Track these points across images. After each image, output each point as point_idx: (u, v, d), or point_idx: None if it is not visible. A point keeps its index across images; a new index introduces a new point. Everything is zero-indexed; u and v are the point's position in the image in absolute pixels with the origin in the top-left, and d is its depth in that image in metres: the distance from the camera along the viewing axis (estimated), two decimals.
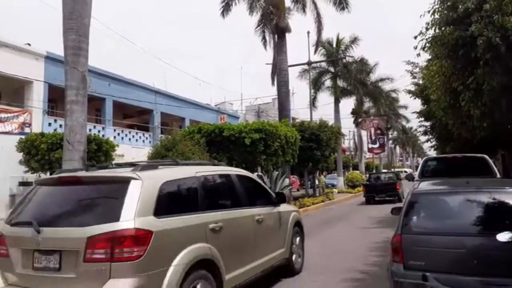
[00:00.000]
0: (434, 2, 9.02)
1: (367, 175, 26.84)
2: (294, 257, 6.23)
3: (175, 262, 3.64)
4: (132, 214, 3.45)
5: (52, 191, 4.16)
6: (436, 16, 8.97)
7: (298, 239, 6.54)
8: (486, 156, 9.68)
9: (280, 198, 6.18)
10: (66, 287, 3.49)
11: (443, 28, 8.92)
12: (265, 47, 21.99)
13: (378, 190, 20.08)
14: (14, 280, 3.76)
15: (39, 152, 16.56)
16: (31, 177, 18.61)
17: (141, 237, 3.43)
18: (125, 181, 3.69)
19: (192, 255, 3.83)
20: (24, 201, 4.27)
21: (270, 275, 5.66)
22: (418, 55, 9.84)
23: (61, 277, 3.49)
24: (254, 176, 6.53)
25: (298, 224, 6.60)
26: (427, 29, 9.20)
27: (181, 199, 4.24)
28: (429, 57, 12.12)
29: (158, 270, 3.50)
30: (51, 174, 18.72)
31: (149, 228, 3.50)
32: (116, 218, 3.42)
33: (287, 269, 6.13)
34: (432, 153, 37.32)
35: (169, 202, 3.95)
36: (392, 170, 38.19)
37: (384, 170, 39.62)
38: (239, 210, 4.95)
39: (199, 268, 3.87)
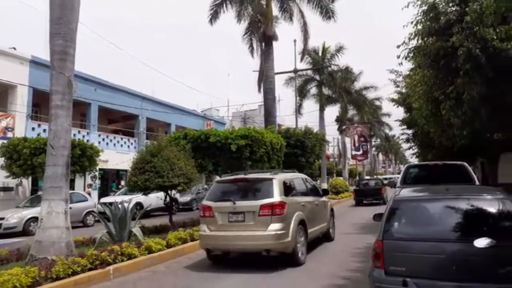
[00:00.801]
0: (418, 14, 9.25)
1: (356, 182, 30.06)
2: (331, 229, 10.17)
3: (293, 218, 7.42)
4: (277, 194, 7.30)
5: (229, 185, 8.07)
6: (419, 27, 9.19)
7: (332, 218, 10.43)
8: (466, 164, 9.90)
9: (324, 193, 10.42)
10: (247, 228, 7.22)
11: (425, 39, 9.15)
12: (252, 55, 22.13)
13: (366, 194, 23.25)
14: (215, 228, 7.49)
15: (21, 157, 16.30)
16: (12, 182, 18.29)
17: (282, 204, 7.23)
18: (270, 179, 7.65)
19: (298, 216, 7.61)
20: (214, 191, 8.11)
21: (318, 240, 9.30)
22: (401, 64, 10.06)
23: (244, 224, 7.25)
24: (309, 178, 10.51)
25: (331, 209, 10.56)
26: (409, 39, 9.42)
27: (290, 188, 8.13)
28: (412, 66, 12.38)
29: (288, 220, 7.26)
30: (34, 179, 18.47)
31: (284, 201, 7.35)
32: (271, 196, 7.28)
33: (327, 236, 9.91)
34: (414, 160, 37.86)
35: (287, 189, 7.78)
36: (378, 177, 38.65)
37: (368, 177, 40.51)
38: (309, 197, 8.91)
39: (300, 224, 7.67)
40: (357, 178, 40.59)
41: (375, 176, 39.59)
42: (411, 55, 9.86)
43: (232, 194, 7.65)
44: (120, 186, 24.99)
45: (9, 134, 18.67)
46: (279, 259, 7.32)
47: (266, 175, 8.02)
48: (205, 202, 7.87)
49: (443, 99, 9.42)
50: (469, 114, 9.12)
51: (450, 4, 9.27)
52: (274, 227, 7.04)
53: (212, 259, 8.05)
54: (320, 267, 7.32)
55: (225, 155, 12.80)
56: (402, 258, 3.94)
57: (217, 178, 11.33)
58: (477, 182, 9.56)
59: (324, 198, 10.01)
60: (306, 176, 10.04)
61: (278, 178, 7.69)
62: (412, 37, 9.42)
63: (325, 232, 9.65)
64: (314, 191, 9.57)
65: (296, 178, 9.07)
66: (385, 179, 43.61)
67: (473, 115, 9.18)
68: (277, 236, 7.02)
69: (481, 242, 3.61)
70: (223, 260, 8.06)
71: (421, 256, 3.86)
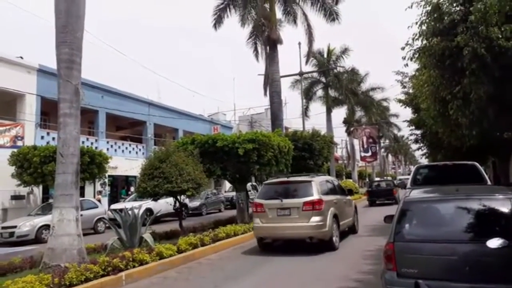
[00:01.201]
0: (422, 14, 9.22)
1: (369, 183, 30.90)
2: (355, 223, 11.98)
3: (329, 212, 9.13)
4: (316, 193, 9.03)
5: (276, 186, 9.86)
6: (423, 27, 9.16)
7: (356, 214, 12.19)
8: (476, 164, 9.82)
9: (349, 193, 12.28)
10: (293, 221, 8.95)
11: (430, 39, 9.11)
12: (257, 59, 22.20)
13: (379, 195, 24.24)
14: (266, 221, 9.28)
15: (31, 165, 16.47)
16: (23, 190, 18.49)
17: (320, 201, 8.94)
18: (309, 181, 9.45)
19: (332, 211, 9.34)
20: (264, 191, 9.90)
21: (344, 233, 10.80)
22: (406, 65, 10.02)
23: (290, 217, 9.01)
24: (337, 180, 13.30)
25: (355, 206, 12.34)
26: (414, 39, 9.39)
27: (325, 188, 9.93)
28: (418, 66, 12.34)
29: (325, 214, 8.95)
30: (44, 187, 18.63)
31: (322, 198, 9.08)
32: (311, 195, 9.01)
33: (352, 229, 11.64)
34: (424, 161, 37.59)
35: (323, 189, 9.62)
36: (388, 178, 38.48)
37: (379, 179, 40.46)
38: (339, 196, 10.67)
39: (334, 217, 9.38)
40: (367, 180, 40.70)
41: (385, 178, 39.49)
42: (416, 55, 9.82)
43: (279, 193, 9.48)
44: (129, 193, 25.12)
45: (19, 143, 18.87)
46: (317, 246, 9.05)
47: (306, 178, 9.99)
48: (257, 200, 9.79)
49: (450, 99, 9.37)
50: (477, 114, 9.06)
51: (454, 4, 9.23)
52: (315, 219, 8.87)
53: (263, 246, 9.81)
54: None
55: (232, 160, 12.81)
56: (413, 260, 3.93)
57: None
58: (488, 182, 9.48)
59: (349, 197, 11.93)
60: (335, 179, 13.00)
61: (315, 180, 9.64)
62: (416, 37, 9.40)
63: (351, 225, 11.44)
64: (342, 191, 11.52)
65: (328, 180, 11.06)
66: (396, 179, 43.48)
67: (481, 114, 9.12)
68: (318, 226, 8.87)
69: (494, 243, 3.59)
70: (269, 247, 9.81)
71: (433, 258, 3.85)
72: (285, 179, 10.25)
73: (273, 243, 9.91)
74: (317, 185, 9.38)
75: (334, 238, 9.19)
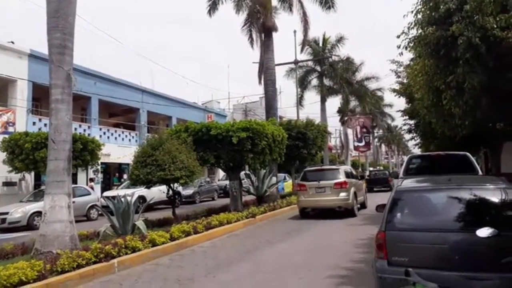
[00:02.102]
0: (417, 3, 9.17)
1: (369, 173, 35.15)
2: (365, 201, 15.64)
3: (351, 190, 13.40)
4: (343, 176, 13.47)
5: (313, 172, 14.23)
6: (419, 16, 9.13)
7: (366, 193, 16.31)
8: (468, 154, 9.87)
9: (361, 178, 17.62)
10: (327, 196, 13.16)
11: (425, 28, 9.07)
12: (252, 46, 21.97)
13: (376, 183, 27.57)
14: (307, 196, 13.55)
15: (23, 152, 16.32)
16: (15, 177, 18.36)
17: (345, 182, 13.25)
18: (337, 168, 14.40)
19: (352, 190, 13.53)
20: (304, 175, 14.14)
21: (345, 214, 13.40)
22: (401, 54, 10.00)
23: (325, 193, 13.24)
24: (350, 168, 18.11)
25: (365, 188, 16.27)
26: (409, 28, 9.35)
27: (347, 174, 14.25)
28: (413, 56, 12.32)
29: (349, 191, 13.23)
30: (36, 173, 18.51)
31: (346, 180, 13.45)
32: (339, 177, 13.43)
33: (363, 205, 15.31)
34: (417, 151, 37.84)
35: (346, 174, 14.00)
36: (381, 168, 39.37)
37: (376, 169, 43.25)
38: (355, 179, 14.86)
39: (354, 193, 13.55)
40: (360, 169, 41.72)
41: (381, 168, 41.33)
42: (411, 45, 9.79)
43: (316, 177, 13.73)
44: (122, 180, 25.05)
45: (11, 129, 18.69)
46: (341, 213, 13.31)
47: (335, 166, 15.73)
48: (300, 182, 14.29)
49: (444, 89, 9.38)
50: (471, 104, 9.09)
51: None
52: (342, 194, 13.06)
53: (304, 214, 14.03)
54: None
55: (226, 148, 12.78)
56: (404, 248, 3.95)
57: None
58: (480, 172, 9.54)
59: (361, 181, 16.44)
60: (352, 168, 19.47)
61: (341, 168, 14.56)
62: (412, 26, 9.37)
63: (362, 202, 15.35)
64: (356, 176, 15.99)
65: (349, 168, 16.47)
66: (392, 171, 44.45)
67: (474, 104, 9.15)
68: (345, 199, 13.07)
69: (484, 232, 3.61)
70: (307, 215, 14.02)
71: (424, 246, 3.87)
72: (320, 167, 16.27)
73: (309, 212, 14.15)
74: (343, 171, 13.89)
75: (354, 208, 13.50)
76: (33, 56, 20.28)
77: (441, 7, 8.75)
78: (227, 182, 18.79)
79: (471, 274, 3.62)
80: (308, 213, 13.97)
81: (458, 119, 10.06)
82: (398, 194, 4.42)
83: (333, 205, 13.18)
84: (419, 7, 9.12)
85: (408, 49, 9.76)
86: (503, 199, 4.02)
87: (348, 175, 14.11)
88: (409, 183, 4.95)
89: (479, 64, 8.24)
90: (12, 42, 20.22)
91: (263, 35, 20.23)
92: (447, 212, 4.12)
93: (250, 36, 21.62)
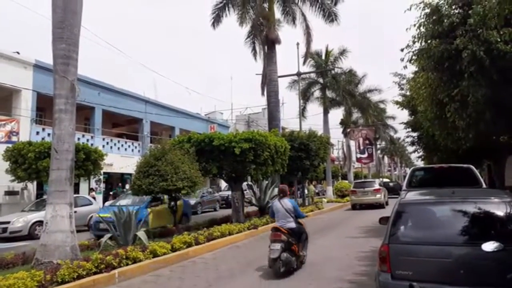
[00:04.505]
0: (420, 16, 9.20)
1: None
2: (387, 202, 23.22)
3: (383, 193, 22.94)
4: (377, 185, 23.32)
5: (359, 182, 24.79)
6: (422, 29, 9.14)
7: (386, 197, 23.71)
8: (472, 167, 9.80)
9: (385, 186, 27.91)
10: (369, 196, 22.13)
11: (429, 41, 9.09)
12: (255, 58, 22.13)
13: (390, 191, 28.90)
14: (357, 197, 22.58)
15: (26, 161, 16.35)
16: (18, 186, 18.37)
17: (380, 189, 22.75)
18: (374, 180, 25.41)
19: (383, 193, 23.05)
20: (354, 184, 24.88)
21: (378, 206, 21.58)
22: (405, 67, 10.00)
23: (368, 195, 22.25)
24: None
25: (386, 194, 24.25)
26: (413, 42, 9.36)
27: (379, 184, 24.56)
28: (416, 69, 12.33)
29: (383, 193, 22.77)
30: (39, 183, 18.53)
31: (381, 187, 23.47)
32: (377, 185, 23.01)
33: (386, 203, 22.79)
34: (420, 163, 37.71)
35: (379, 184, 24.34)
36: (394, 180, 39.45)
37: (386, 180, 44.68)
38: (383, 187, 24.66)
39: (384, 195, 23.13)
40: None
41: (390, 180, 41.74)
42: (414, 58, 9.80)
43: (362, 185, 22.67)
44: (124, 190, 25.02)
45: (14, 138, 18.76)
46: (378, 206, 21.39)
47: (372, 179, 27.21)
48: (352, 189, 23.34)
49: (447, 102, 9.36)
50: (474, 117, 9.05)
51: (453, 7, 9.22)
52: (378, 195, 21.75)
53: (354, 208, 22.05)
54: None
55: (229, 159, 12.76)
56: (408, 262, 3.91)
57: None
58: (484, 185, 9.45)
59: (385, 189, 24.13)
60: (380, 180, 30.77)
61: (376, 180, 25.70)
62: (415, 40, 9.38)
63: (386, 201, 22.95)
64: (381, 185, 24.17)
65: (381, 181, 29.46)
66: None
67: (478, 117, 9.11)
68: (379, 199, 21.65)
69: (489, 246, 3.58)
70: (355, 208, 22.24)
71: (428, 260, 3.83)
72: (363, 180, 26.39)
73: (356, 207, 22.33)
74: (377, 182, 23.58)
75: (384, 203, 22.09)
76: (38, 67, 20.46)
77: (445, 21, 8.77)
78: (229, 192, 18.74)
79: None
80: (355, 207, 22.43)
81: (462, 132, 10.01)
82: (402, 207, 4.39)
83: (372, 202, 21.72)
84: (422, 20, 9.15)
85: (412, 61, 9.77)
86: (508, 213, 3.98)
87: (380, 184, 23.88)
88: (412, 195, 4.92)
89: (483, 77, 8.22)
90: (18, 52, 20.42)
91: (266, 47, 20.38)
92: (451, 226, 4.08)
93: (253, 48, 21.79)
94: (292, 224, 7.37)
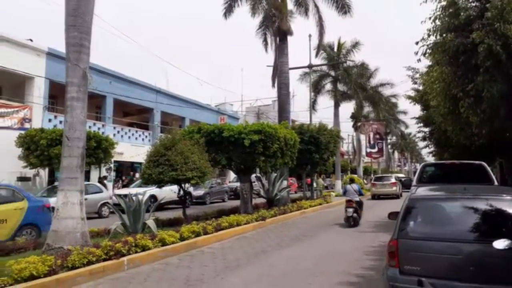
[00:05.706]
0: (436, 9, 9.04)
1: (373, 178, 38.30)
2: (400, 193, 26.89)
3: (398, 186, 27.62)
4: (394, 179, 28.33)
5: (378, 176, 31.13)
6: (438, 22, 9.00)
7: (400, 189, 27.50)
8: (484, 164, 9.68)
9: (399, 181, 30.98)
10: (387, 188, 26.79)
11: (444, 35, 8.94)
12: (266, 49, 21.92)
13: (403, 186, 31.94)
14: (376, 189, 27.09)
15: (38, 148, 16.56)
16: (30, 172, 18.63)
17: (396, 182, 27.70)
18: (391, 175, 32.17)
19: (399, 186, 27.93)
20: (374, 179, 30.45)
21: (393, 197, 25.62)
22: (419, 60, 9.86)
23: (386, 187, 26.96)
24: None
25: (400, 187, 28.12)
26: (428, 35, 9.22)
27: (395, 178, 30.64)
28: (430, 63, 12.16)
29: (398, 186, 27.38)
30: (50, 169, 18.78)
31: (396, 181, 28.68)
32: (392, 180, 28.02)
33: (401, 194, 26.27)
34: (431, 159, 37.37)
35: (396, 179, 30.28)
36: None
37: (400, 175, 46.08)
38: (398, 181, 29.62)
39: (399, 188, 27.97)
40: (372, 175, 41.77)
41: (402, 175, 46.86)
42: (429, 51, 9.65)
43: (381, 179, 27.93)
44: (134, 179, 25.24)
45: (27, 125, 18.99)
46: (393, 197, 25.52)
47: (390, 175, 32.97)
48: (373, 182, 28.45)
49: (461, 97, 9.23)
50: (489, 113, 8.92)
51: (470, 0, 9.05)
52: (394, 187, 26.44)
53: (374, 198, 26.26)
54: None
55: (238, 150, 12.77)
56: (417, 257, 3.89)
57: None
58: (495, 183, 9.34)
59: (398, 182, 28.01)
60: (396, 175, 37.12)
61: (393, 175, 32.15)
62: (430, 33, 9.23)
63: (401, 192, 26.41)
64: (397, 179, 28.95)
65: (397, 176, 34.45)
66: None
67: (492, 113, 8.98)
68: (396, 190, 26.37)
69: (501, 244, 3.54)
70: (375, 198, 26.41)
71: (438, 256, 3.80)
72: (382, 175, 31.33)
73: (375, 197, 26.38)
74: (394, 177, 29.25)
75: (399, 195, 25.67)
76: (51, 54, 20.60)
77: (462, 14, 8.62)
78: (238, 184, 18.79)
79: (486, 286, 3.54)
80: (375, 197, 26.46)
81: (475, 128, 9.88)
82: (412, 202, 4.35)
83: (390, 193, 25.89)
84: (438, 13, 9.00)
85: (426, 55, 9.62)
86: None
87: (395, 179, 28.77)
88: (423, 191, 4.88)
89: (499, 73, 8.09)
90: (31, 40, 20.57)
91: (277, 38, 20.21)
92: (462, 222, 4.05)
93: (265, 40, 21.61)
94: (357, 198, 12.91)
